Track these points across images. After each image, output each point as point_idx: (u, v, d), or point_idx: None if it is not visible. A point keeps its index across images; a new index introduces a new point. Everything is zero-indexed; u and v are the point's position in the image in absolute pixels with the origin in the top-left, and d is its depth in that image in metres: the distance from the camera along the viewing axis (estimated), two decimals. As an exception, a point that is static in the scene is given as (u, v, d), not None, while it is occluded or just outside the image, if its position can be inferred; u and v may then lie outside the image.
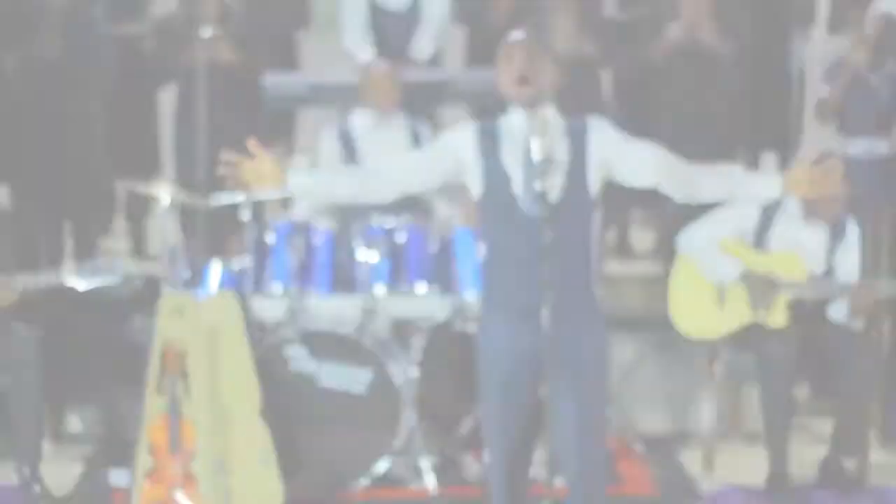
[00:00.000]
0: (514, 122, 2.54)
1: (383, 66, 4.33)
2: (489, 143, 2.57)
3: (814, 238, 3.74)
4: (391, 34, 4.89)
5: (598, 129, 2.53)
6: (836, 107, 4.46)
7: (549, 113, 2.50)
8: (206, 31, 4.45)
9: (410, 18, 4.89)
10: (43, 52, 4.64)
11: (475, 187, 2.60)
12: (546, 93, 2.53)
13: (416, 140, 4.20)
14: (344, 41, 4.97)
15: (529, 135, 2.45)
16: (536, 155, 2.42)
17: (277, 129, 5.19)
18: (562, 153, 2.48)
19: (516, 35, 2.63)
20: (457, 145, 2.60)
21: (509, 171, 2.53)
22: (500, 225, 2.57)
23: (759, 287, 3.65)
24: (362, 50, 4.81)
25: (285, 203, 4.33)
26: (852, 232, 3.77)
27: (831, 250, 3.74)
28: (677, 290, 3.76)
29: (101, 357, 4.50)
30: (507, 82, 2.55)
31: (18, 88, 4.65)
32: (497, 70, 2.59)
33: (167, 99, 5.03)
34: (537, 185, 2.41)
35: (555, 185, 2.45)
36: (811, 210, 3.69)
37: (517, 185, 2.52)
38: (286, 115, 5.29)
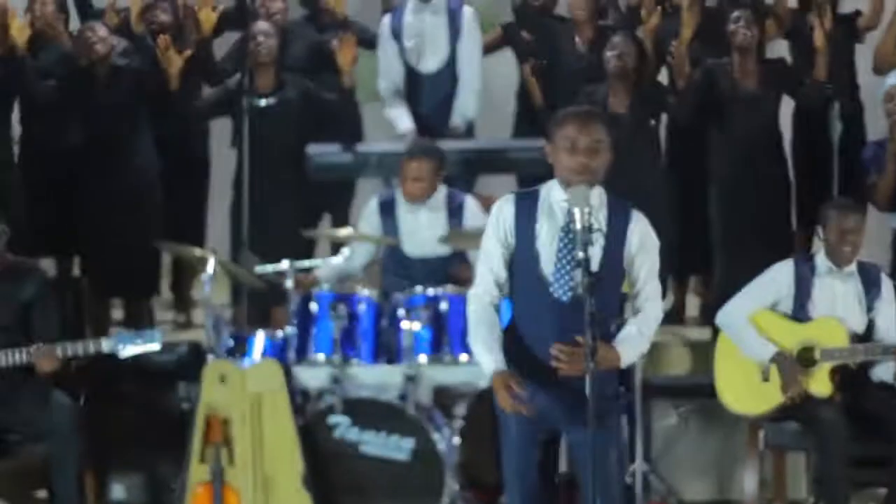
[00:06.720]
0: (554, 192, 2.65)
1: (416, 160, 4.33)
2: (528, 212, 2.72)
3: (850, 294, 3.82)
4: (427, 102, 5.08)
5: (638, 222, 2.71)
6: (888, 194, 4.42)
7: (596, 188, 2.62)
8: (262, 102, 4.63)
9: (445, 80, 5.08)
10: (95, 123, 4.79)
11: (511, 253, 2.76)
12: (599, 171, 2.64)
13: (458, 211, 4.30)
14: (385, 114, 5.13)
15: (573, 205, 2.55)
16: (578, 224, 2.52)
17: (335, 198, 5.29)
18: (603, 226, 2.61)
19: (573, 111, 2.76)
20: (504, 218, 2.72)
21: (542, 241, 2.67)
22: (526, 290, 2.72)
23: (790, 369, 3.75)
24: (402, 119, 4.96)
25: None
26: (886, 284, 3.84)
27: (869, 307, 3.82)
28: (721, 364, 3.80)
29: (144, 424, 4.53)
30: (568, 165, 2.66)
31: (64, 157, 4.81)
32: (553, 145, 2.67)
33: (218, 167, 5.20)
34: (579, 254, 2.51)
35: (595, 256, 2.56)
36: (838, 257, 3.81)
37: (548, 255, 2.66)
38: (347, 184, 5.38)
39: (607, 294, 2.62)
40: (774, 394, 3.85)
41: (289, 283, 4.06)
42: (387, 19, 5.19)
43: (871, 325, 3.83)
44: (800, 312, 3.84)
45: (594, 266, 2.55)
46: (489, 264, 2.79)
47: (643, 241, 2.70)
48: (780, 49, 5.32)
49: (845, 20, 5.12)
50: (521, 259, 2.72)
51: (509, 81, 5.53)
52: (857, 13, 5.16)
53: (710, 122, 4.82)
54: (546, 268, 2.66)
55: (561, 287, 2.65)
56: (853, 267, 3.86)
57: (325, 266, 4.41)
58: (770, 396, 3.84)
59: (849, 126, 4.91)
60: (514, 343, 2.75)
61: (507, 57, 5.51)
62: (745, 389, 3.87)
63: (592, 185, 2.64)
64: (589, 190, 2.61)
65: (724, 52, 4.67)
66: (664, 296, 4.42)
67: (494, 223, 2.81)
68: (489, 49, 5.36)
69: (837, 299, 3.82)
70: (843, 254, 3.82)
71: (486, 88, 5.38)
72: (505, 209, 2.75)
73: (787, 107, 5.03)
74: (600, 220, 2.62)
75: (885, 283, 3.87)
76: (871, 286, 3.86)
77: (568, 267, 2.66)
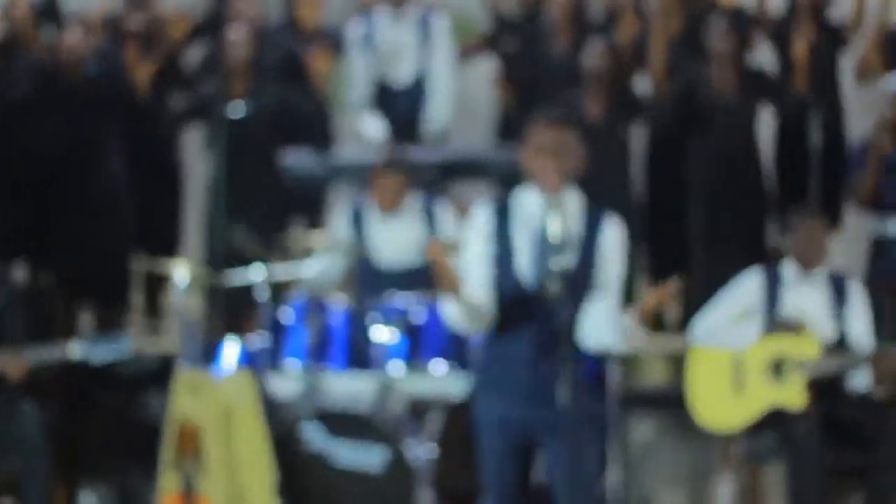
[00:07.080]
0: (528, 198, 2.66)
1: (387, 174, 4.37)
2: (503, 218, 2.74)
3: (819, 301, 3.89)
4: (399, 112, 5.12)
5: (611, 226, 2.74)
6: (869, 191, 4.52)
7: (570, 193, 2.62)
8: (235, 111, 4.58)
9: (417, 95, 5.14)
10: (68, 130, 4.73)
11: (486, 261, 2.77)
12: (571, 175, 2.65)
13: (431, 220, 4.31)
14: (356, 123, 5.14)
15: (548, 211, 2.57)
16: (554, 233, 2.52)
17: (302, 205, 5.30)
18: (577, 232, 2.63)
19: (547, 114, 2.78)
20: (480, 223, 2.75)
21: (517, 247, 2.68)
22: (502, 296, 2.72)
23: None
24: (375, 129, 5.00)
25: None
26: (856, 293, 3.90)
27: (838, 314, 3.88)
28: (694, 382, 3.82)
29: (114, 434, 4.53)
30: (540, 171, 2.68)
31: (37, 163, 4.78)
32: (525, 149, 2.69)
33: (193, 176, 5.17)
34: (553, 264, 2.53)
35: (570, 264, 2.58)
36: (804, 263, 3.90)
37: (522, 261, 2.67)
38: (315, 191, 5.37)
39: (583, 297, 2.65)
40: (748, 404, 3.86)
41: (262, 290, 4.03)
42: (357, 28, 5.17)
43: (843, 334, 3.86)
44: (771, 322, 3.88)
45: (570, 270, 2.58)
46: (472, 271, 2.77)
47: (613, 249, 2.76)
48: (765, 56, 5.33)
49: (830, 29, 5.14)
50: (497, 265, 2.73)
51: (486, 88, 5.50)
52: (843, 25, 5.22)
53: (688, 130, 4.85)
54: (520, 273, 2.68)
55: (535, 292, 2.66)
56: (822, 274, 3.90)
57: (302, 278, 4.34)
58: (745, 408, 3.85)
59: (829, 133, 4.90)
60: (493, 351, 2.75)
61: (484, 63, 5.48)
62: (719, 403, 3.89)
63: (566, 190, 2.67)
64: (564, 194, 2.63)
65: (706, 61, 4.70)
66: (634, 300, 4.50)
67: (472, 229, 2.82)
68: (468, 55, 5.34)
69: (808, 308, 3.85)
70: (810, 257, 3.87)
71: (463, 95, 5.36)
72: (481, 215, 2.76)
73: (766, 114, 5.08)
74: (576, 224, 2.65)
75: (855, 291, 3.92)
76: (841, 294, 3.90)
77: (542, 272, 2.66)
